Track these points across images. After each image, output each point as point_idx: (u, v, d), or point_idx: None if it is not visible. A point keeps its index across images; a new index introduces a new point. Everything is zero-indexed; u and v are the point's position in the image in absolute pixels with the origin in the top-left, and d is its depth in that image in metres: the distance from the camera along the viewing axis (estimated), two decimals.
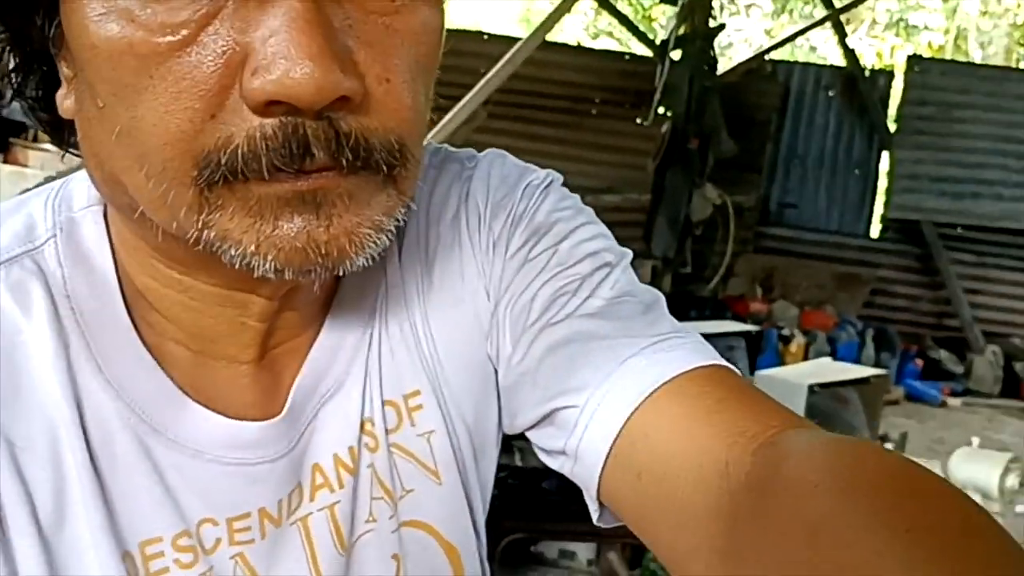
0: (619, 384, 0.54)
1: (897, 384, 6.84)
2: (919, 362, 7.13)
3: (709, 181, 6.95)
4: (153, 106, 0.43)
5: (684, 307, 6.69)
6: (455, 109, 3.78)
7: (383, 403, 0.61)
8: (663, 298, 0.62)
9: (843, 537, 0.36)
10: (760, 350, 5.78)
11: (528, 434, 0.61)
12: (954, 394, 6.97)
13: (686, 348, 0.55)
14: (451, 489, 0.63)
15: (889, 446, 3.41)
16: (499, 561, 3.07)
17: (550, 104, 7.00)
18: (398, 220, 0.48)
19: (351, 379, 0.60)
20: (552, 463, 0.59)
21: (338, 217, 0.45)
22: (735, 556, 0.42)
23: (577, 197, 0.66)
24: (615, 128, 7.30)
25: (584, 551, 3.23)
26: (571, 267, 0.60)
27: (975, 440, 3.07)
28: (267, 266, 0.45)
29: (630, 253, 0.64)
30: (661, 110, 6.57)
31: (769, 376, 4.03)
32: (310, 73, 0.41)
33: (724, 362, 0.55)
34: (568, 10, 4.40)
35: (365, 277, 0.60)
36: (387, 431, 0.61)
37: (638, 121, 7.17)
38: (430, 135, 3.66)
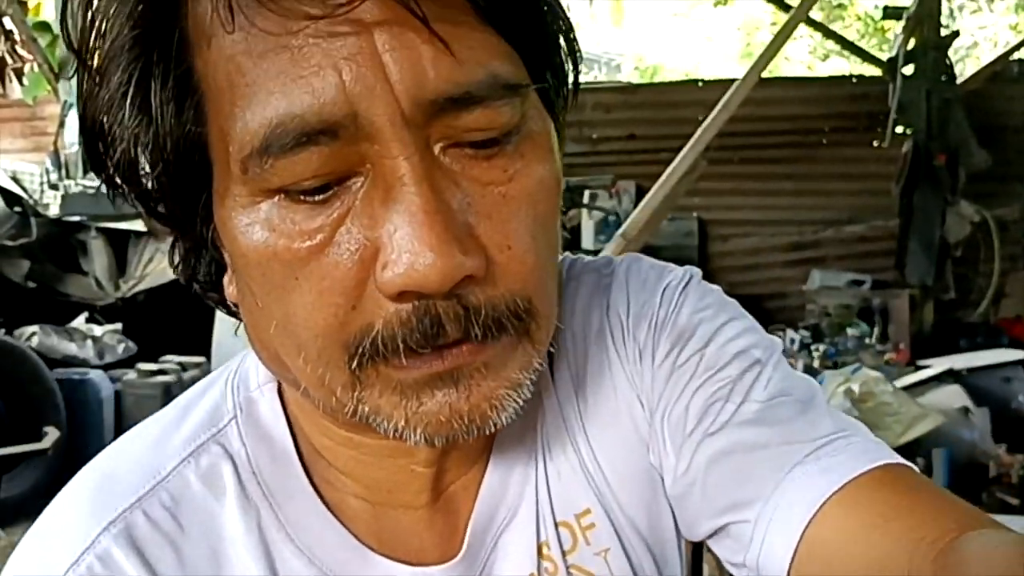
0: (788, 498, 0.53)
1: None
2: None
3: (963, 198, 6.44)
4: (302, 303, 0.47)
5: (952, 336, 6.18)
6: (674, 163, 3.73)
7: (556, 525, 0.60)
8: (820, 390, 0.60)
9: None
10: None
11: (708, 543, 0.60)
12: None
13: (853, 450, 0.54)
14: None
15: None
16: None
17: (775, 141, 6.77)
18: (537, 369, 0.51)
19: (524, 507, 0.60)
20: (737, 574, 0.58)
21: (476, 386, 0.48)
22: None
23: (719, 290, 0.64)
24: (850, 155, 6.93)
25: None
26: (720, 371, 0.59)
27: None
28: (416, 438, 0.49)
29: (779, 344, 0.62)
30: (899, 129, 6.20)
31: None
32: (432, 262, 0.44)
33: (897, 458, 0.54)
34: (782, 45, 4.25)
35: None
36: (563, 553, 0.60)
37: (875, 144, 6.79)
38: (651, 192, 3.63)
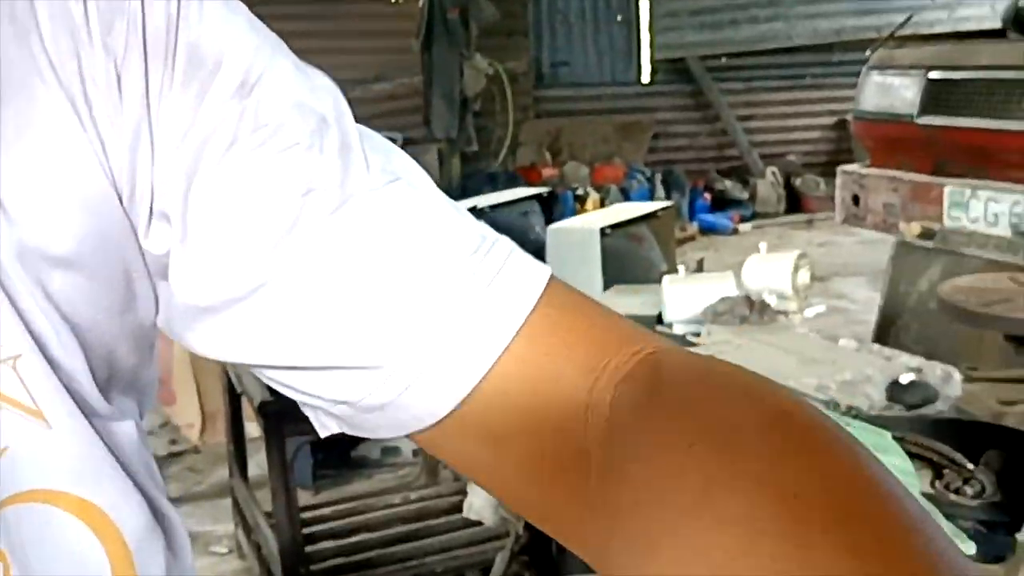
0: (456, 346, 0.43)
1: (691, 221, 7.02)
2: (707, 196, 7.34)
3: (477, 52, 6.76)
4: None
5: (477, 186, 6.57)
6: None
7: None
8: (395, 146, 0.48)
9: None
10: (556, 213, 5.73)
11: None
12: (744, 220, 7.24)
13: (517, 266, 0.44)
14: (70, 433, 0.44)
15: (681, 268, 3.41)
16: (313, 472, 2.89)
17: None
18: None
19: None
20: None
21: None
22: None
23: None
24: (369, 11, 6.93)
25: (408, 443, 3.09)
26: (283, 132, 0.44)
27: (763, 246, 3.10)
28: None
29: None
30: None
31: (562, 228, 3.97)
32: None
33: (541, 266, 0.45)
34: None
35: None
36: None
37: (392, 0, 6.84)
38: None
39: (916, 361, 2.22)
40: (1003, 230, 3.30)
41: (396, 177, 0.44)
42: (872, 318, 4.19)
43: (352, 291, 0.42)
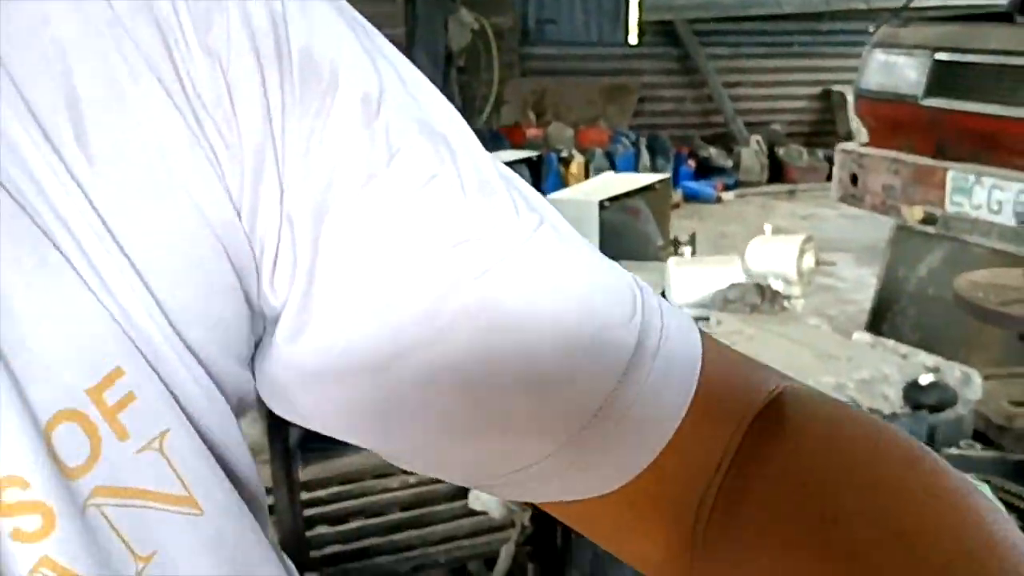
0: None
1: (675, 187, 6.95)
2: (691, 163, 7.29)
3: (463, 5, 6.60)
4: None
5: None
6: None
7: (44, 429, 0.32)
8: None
9: None
10: (542, 176, 5.65)
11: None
12: (727, 188, 7.20)
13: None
14: (224, 515, 0.37)
15: (686, 249, 3.36)
16: (300, 444, 2.81)
17: None
18: None
19: None
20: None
21: None
22: None
23: None
24: None
25: None
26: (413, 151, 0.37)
27: (768, 228, 3.04)
28: None
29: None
30: None
31: (559, 199, 3.88)
32: None
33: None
34: None
35: None
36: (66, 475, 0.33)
37: None
38: None
39: (933, 360, 2.18)
40: (1007, 219, 3.26)
41: (541, 219, 0.37)
42: (861, 297, 4.18)
43: (511, 365, 0.35)
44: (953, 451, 1.08)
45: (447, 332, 0.35)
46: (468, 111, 7.12)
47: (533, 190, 0.40)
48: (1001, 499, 0.98)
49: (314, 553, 2.13)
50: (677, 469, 0.38)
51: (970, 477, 0.98)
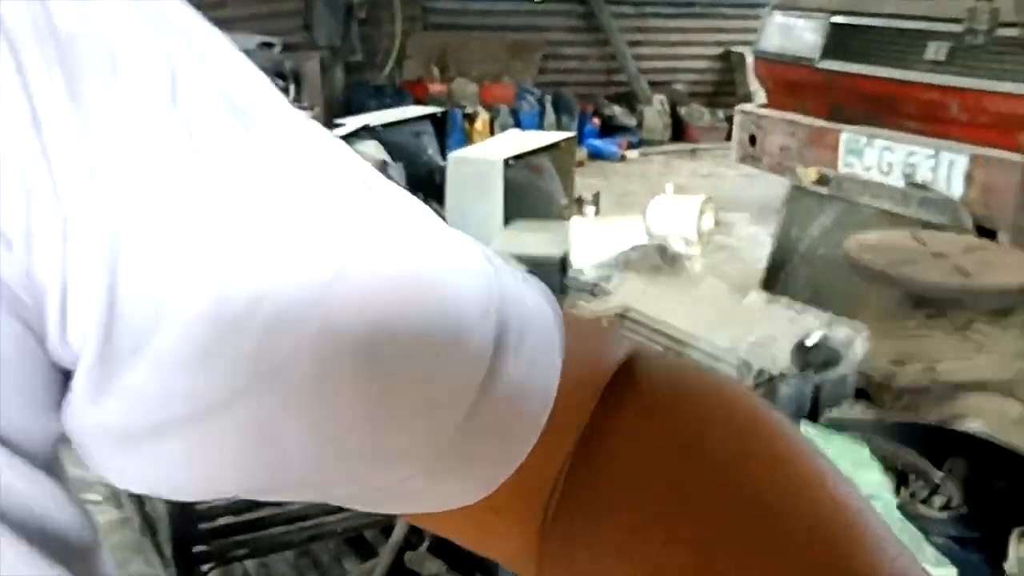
0: None
1: (579, 146, 6.98)
2: (596, 121, 7.31)
3: None
4: None
5: (362, 98, 6.32)
6: None
7: None
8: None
9: None
10: (446, 132, 5.59)
11: None
12: (631, 146, 7.26)
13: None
14: None
15: (590, 209, 3.38)
16: None
17: None
18: None
19: None
20: None
21: None
22: None
23: None
24: None
25: None
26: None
27: (669, 188, 3.07)
28: None
29: None
30: None
31: (463, 157, 3.84)
32: None
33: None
34: None
35: None
36: None
37: None
38: None
39: (821, 320, 2.25)
40: (896, 180, 3.38)
41: (382, 202, 0.32)
42: (757, 255, 4.28)
43: (361, 395, 0.31)
44: (835, 413, 1.11)
45: (283, 370, 0.29)
46: (370, 65, 6.98)
47: (368, 166, 0.34)
48: (881, 459, 1.02)
49: (204, 525, 2.08)
50: (532, 458, 0.35)
51: (850, 438, 1.01)
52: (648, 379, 0.38)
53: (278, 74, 5.76)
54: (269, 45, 6.02)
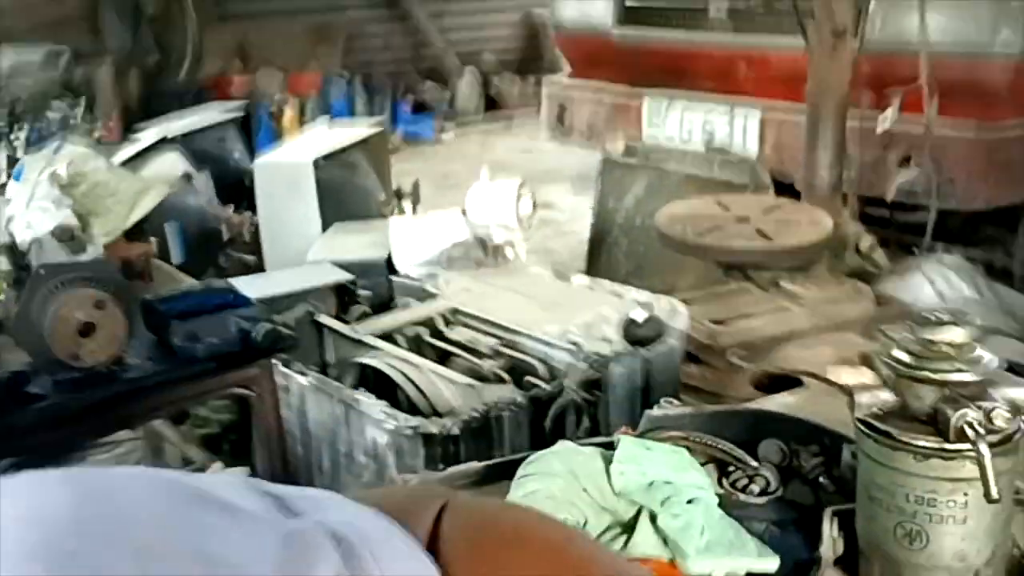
0: None
1: (394, 128, 6.91)
2: (410, 100, 7.25)
3: None
4: None
5: (162, 105, 5.99)
6: None
7: None
8: None
9: None
10: (252, 133, 5.38)
11: None
12: (446, 124, 7.24)
13: None
14: None
15: (407, 203, 3.34)
16: None
17: None
18: None
19: None
20: None
21: None
22: None
23: None
24: None
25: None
26: None
27: (484, 173, 3.08)
28: None
29: None
30: None
31: (270, 162, 3.72)
32: None
33: None
34: None
35: None
36: None
37: None
38: None
39: (644, 296, 2.32)
40: (697, 145, 3.51)
41: None
42: (579, 227, 4.36)
43: None
44: (656, 412, 1.15)
45: None
46: (167, 66, 6.64)
47: None
48: (700, 452, 1.06)
49: None
50: None
51: (670, 447, 1.04)
52: (455, 524, 0.48)
53: (67, 87, 5.40)
54: (58, 55, 5.63)
